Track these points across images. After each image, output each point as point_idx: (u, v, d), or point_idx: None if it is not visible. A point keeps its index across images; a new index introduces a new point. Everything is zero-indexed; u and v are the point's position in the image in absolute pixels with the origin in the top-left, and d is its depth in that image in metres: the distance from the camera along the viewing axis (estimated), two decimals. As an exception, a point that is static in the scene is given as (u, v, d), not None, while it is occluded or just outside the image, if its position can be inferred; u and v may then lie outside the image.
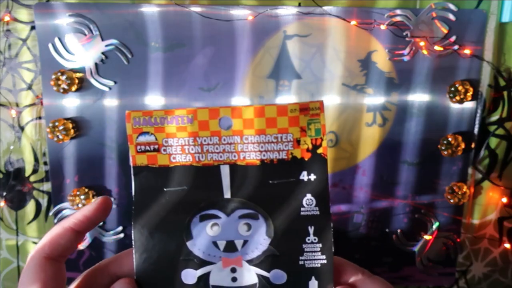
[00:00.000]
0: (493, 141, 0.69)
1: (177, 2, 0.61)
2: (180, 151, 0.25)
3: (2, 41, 0.63)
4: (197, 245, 0.25)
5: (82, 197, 0.64)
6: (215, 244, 0.25)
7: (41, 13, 0.60)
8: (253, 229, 0.25)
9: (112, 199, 0.66)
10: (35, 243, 0.69)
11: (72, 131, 0.62)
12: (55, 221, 0.66)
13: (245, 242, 0.25)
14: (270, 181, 0.25)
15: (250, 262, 0.25)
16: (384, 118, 0.65)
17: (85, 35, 0.61)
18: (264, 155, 0.25)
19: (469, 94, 0.63)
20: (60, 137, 0.62)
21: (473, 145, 0.66)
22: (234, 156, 0.25)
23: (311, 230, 0.25)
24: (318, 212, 0.25)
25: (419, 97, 0.65)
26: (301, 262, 0.25)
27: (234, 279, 0.25)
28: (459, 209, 0.69)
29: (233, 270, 0.25)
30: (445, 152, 0.65)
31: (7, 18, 0.62)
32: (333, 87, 0.64)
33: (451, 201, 0.67)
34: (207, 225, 0.25)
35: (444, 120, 0.65)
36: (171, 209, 0.25)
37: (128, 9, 0.61)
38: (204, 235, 0.25)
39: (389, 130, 0.66)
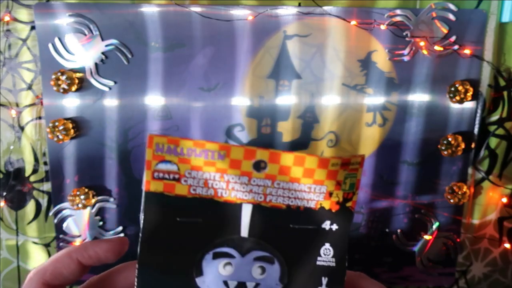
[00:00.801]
0: (493, 141, 0.69)
1: (177, 2, 0.61)
2: (202, 184, 0.23)
3: (2, 41, 0.63)
4: (207, 282, 0.23)
5: (82, 197, 0.64)
6: (225, 283, 0.24)
7: (41, 13, 0.60)
8: (267, 273, 0.24)
9: (112, 199, 0.66)
10: (35, 243, 0.70)
11: (72, 131, 0.62)
12: (55, 221, 0.66)
13: (257, 285, 0.24)
14: (291, 225, 0.24)
15: None
16: (384, 118, 0.65)
17: (85, 35, 0.61)
18: (292, 202, 0.24)
19: (469, 94, 0.63)
20: (60, 137, 0.62)
21: (473, 145, 0.66)
22: (260, 198, 0.24)
23: (324, 281, 0.24)
24: (334, 264, 0.24)
25: (419, 97, 0.65)
26: None
27: None
28: (459, 209, 0.69)
29: None
30: (445, 152, 0.65)
31: (7, 18, 0.62)
32: (333, 87, 0.64)
33: (451, 201, 0.67)
34: (220, 264, 0.24)
35: (444, 120, 0.66)
36: (183, 242, 0.23)
37: (128, 9, 0.61)
38: (215, 274, 0.24)
39: (389, 130, 0.66)
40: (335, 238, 0.24)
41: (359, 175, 0.24)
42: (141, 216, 0.23)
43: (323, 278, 0.24)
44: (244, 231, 0.24)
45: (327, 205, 0.24)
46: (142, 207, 0.23)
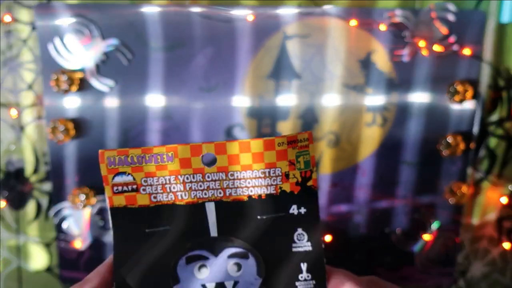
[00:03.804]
0: (492, 141, 0.69)
1: (177, 2, 0.61)
2: (161, 190, 0.23)
3: (2, 42, 0.63)
4: None
5: (83, 197, 0.64)
6: (204, 287, 0.24)
7: (42, 14, 0.60)
8: (243, 269, 0.24)
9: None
10: (36, 243, 0.70)
11: (72, 131, 0.62)
12: (56, 221, 0.66)
13: (236, 283, 0.24)
14: (259, 217, 0.24)
15: None
16: (384, 118, 0.66)
17: (86, 35, 0.61)
18: (251, 191, 0.24)
19: (469, 94, 0.63)
20: (61, 137, 0.62)
21: (472, 145, 0.67)
22: (220, 193, 0.24)
23: (303, 267, 0.24)
24: (310, 248, 0.24)
25: (419, 97, 0.65)
26: None
27: None
28: (458, 209, 0.69)
29: None
30: (445, 152, 0.65)
31: (7, 19, 0.62)
32: (333, 87, 0.64)
33: (451, 201, 0.67)
34: (195, 267, 0.24)
35: (444, 120, 0.66)
36: (155, 252, 0.24)
37: (128, 9, 0.61)
38: (191, 279, 0.23)
39: (389, 130, 0.66)
40: (306, 221, 0.24)
41: (311, 151, 0.23)
42: (112, 233, 0.23)
43: (302, 264, 0.23)
44: (213, 231, 0.24)
45: (287, 187, 0.24)
46: (110, 226, 0.23)
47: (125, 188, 0.23)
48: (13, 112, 0.65)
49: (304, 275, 0.23)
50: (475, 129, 0.66)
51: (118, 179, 0.23)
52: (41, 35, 0.61)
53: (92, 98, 0.63)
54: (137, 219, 0.23)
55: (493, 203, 0.71)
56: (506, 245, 0.72)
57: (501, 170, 0.70)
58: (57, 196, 0.66)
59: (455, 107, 0.65)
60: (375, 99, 0.65)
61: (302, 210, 0.24)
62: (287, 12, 0.62)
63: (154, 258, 0.23)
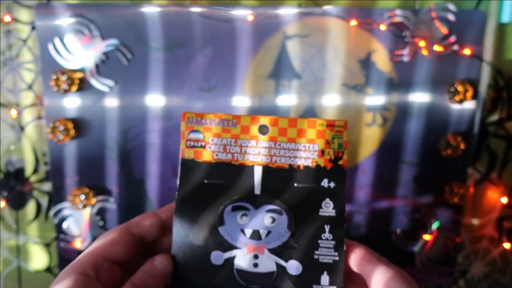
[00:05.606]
0: (492, 141, 0.69)
1: (177, 2, 0.61)
2: (222, 149, 0.29)
3: (2, 42, 0.63)
4: (227, 230, 0.28)
5: (82, 197, 0.64)
6: (242, 231, 0.28)
7: (42, 14, 0.60)
8: (276, 222, 0.28)
9: (112, 199, 0.66)
10: (35, 243, 0.70)
11: (72, 131, 0.62)
12: (55, 221, 0.66)
13: (269, 232, 0.28)
14: (296, 184, 0.28)
15: (271, 250, 0.28)
16: (384, 118, 0.66)
17: (86, 35, 0.61)
18: (292, 161, 0.29)
19: (469, 94, 0.63)
20: (61, 137, 0.62)
21: (473, 145, 0.67)
22: (267, 159, 0.29)
23: (327, 228, 0.28)
24: (334, 214, 0.28)
25: (419, 97, 0.65)
26: (316, 256, 0.28)
27: (255, 265, 0.28)
28: (459, 209, 0.69)
29: (256, 257, 0.28)
30: (445, 152, 0.65)
31: (7, 19, 0.62)
32: (333, 87, 0.64)
33: (451, 201, 0.67)
34: (238, 215, 0.28)
35: (444, 120, 0.66)
36: (209, 198, 0.28)
37: (128, 9, 0.61)
38: (234, 223, 0.28)
39: (389, 130, 0.66)
40: (334, 194, 0.29)
41: (345, 137, 0.28)
42: (178, 179, 0.29)
43: (325, 226, 0.28)
44: (257, 189, 0.29)
45: (321, 162, 0.29)
46: (178, 171, 0.29)
47: (195, 144, 0.29)
48: (13, 112, 0.65)
49: (326, 235, 0.28)
50: (475, 129, 0.66)
51: (192, 136, 0.29)
52: (41, 35, 0.61)
53: (92, 98, 0.63)
54: (200, 171, 0.29)
55: (493, 203, 0.71)
56: (506, 245, 0.72)
57: (501, 170, 0.70)
58: (57, 196, 0.66)
59: (455, 107, 0.65)
60: (375, 99, 0.65)
61: (332, 184, 0.29)
62: (287, 12, 0.62)
63: (207, 203, 0.28)
